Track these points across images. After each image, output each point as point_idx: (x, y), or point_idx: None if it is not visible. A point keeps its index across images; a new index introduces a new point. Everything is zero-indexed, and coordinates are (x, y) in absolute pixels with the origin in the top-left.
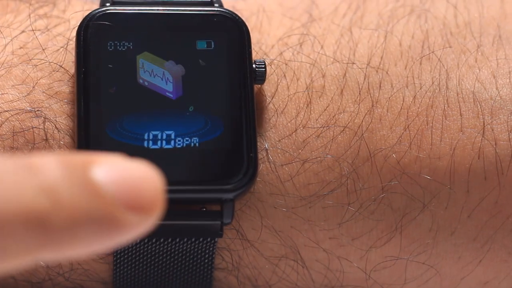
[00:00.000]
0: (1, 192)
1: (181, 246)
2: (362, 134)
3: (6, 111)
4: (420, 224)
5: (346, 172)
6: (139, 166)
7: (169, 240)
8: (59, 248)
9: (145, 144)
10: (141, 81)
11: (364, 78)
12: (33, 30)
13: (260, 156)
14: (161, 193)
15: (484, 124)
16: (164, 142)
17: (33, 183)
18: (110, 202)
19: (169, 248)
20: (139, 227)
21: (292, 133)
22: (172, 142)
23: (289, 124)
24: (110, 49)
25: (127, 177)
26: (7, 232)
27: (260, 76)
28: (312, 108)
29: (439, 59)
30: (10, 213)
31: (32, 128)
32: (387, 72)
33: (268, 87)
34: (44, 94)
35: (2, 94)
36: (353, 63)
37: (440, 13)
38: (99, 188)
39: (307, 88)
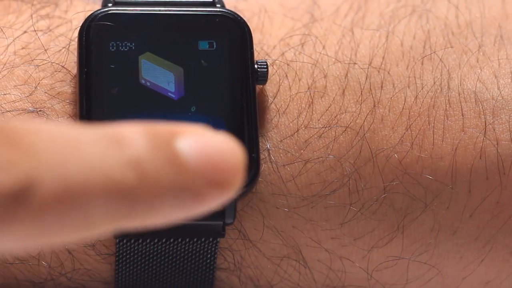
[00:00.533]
0: (88, 163)
1: (183, 246)
2: (364, 134)
3: (9, 111)
4: (422, 224)
5: (348, 172)
6: (223, 139)
7: (171, 240)
8: (139, 219)
9: None
10: (143, 81)
11: (366, 78)
12: (35, 31)
13: (262, 156)
14: (241, 168)
15: (485, 124)
16: None
17: (119, 156)
18: (193, 176)
19: (171, 248)
20: (217, 200)
21: (294, 133)
22: None
23: (291, 124)
24: (112, 50)
25: (210, 150)
26: (92, 205)
27: (262, 76)
28: (314, 108)
29: (440, 59)
30: (95, 187)
31: None
32: (388, 72)
33: (270, 88)
34: (46, 95)
35: (4, 94)
36: (355, 63)
37: (442, 13)
38: (184, 161)
39: (309, 88)
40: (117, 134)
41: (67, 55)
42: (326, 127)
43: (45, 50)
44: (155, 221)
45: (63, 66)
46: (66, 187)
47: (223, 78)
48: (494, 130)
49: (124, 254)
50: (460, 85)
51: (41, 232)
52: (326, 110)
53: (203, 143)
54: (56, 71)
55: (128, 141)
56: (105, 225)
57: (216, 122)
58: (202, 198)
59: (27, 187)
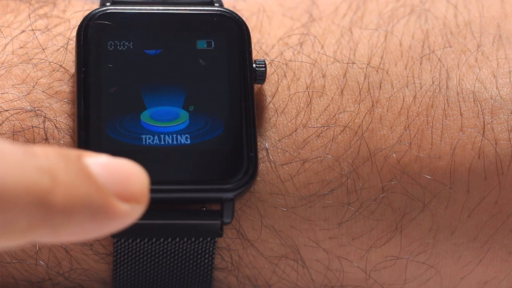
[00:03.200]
0: (5, 170)
1: (181, 246)
2: (362, 134)
3: (6, 110)
4: (420, 224)
5: (346, 171)
6: (126, 162)
7: (169, 240)
8: (56, 229)
9: (145, 143)
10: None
11: (364, 78)
12: (33, 30)
13: (260, 155)
14: (147, 185)
15: (484, 123)
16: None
17: (34, 164)
18: (103, 190)
19: (169, 248)
20: (129, 216)
21: (292, 132)
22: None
23: (289, 124)
24: (110, 49)
25: (117, 168)
26: (11, 208)
27: (260, 75)
28: (312, 108)
29: (439, 59)
30: (13, 189)
31: (32, 128)
32: (387, 72)
33: (268, 87)
34: (44, 94)
35: (2, 93)
36: (353, 63)
37: (440, 13)
38: (93, 174)
39: (307, 88)
40: (31, 149)
41: (65, 54)
42: (324, 126)
43: (43, 49)
44: (73, 235)
45: (61, 65)
46: None
47: (222, 77)
48: (492, 129)
49: (122, 254)
50: (459, 84)
51: None
52: (325, 110)
53: (110, 162)
54: (54, 70)
55: (41, 154)
56: (25, 232)
57: (214, 121)
58: (115, 212)
59: None
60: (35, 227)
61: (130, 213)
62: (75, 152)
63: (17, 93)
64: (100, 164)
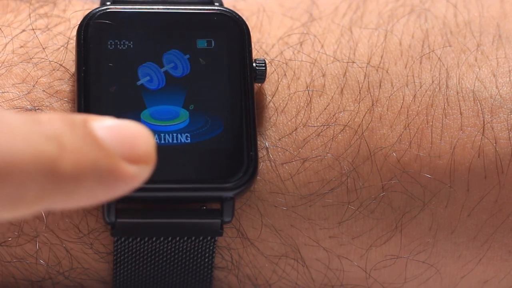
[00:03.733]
0: (11, 140)
1: (181, 245)
2: (362, 133)
3: (6, 109)
4: (420, 223)
5: (346, 170)
6: (131, 123)
7: (169, 239)
8: (66, 196)
9: None
10: (141, 80)
11: (364, 77)
12: (33, 29)
13: (260, 154)
14: (154, 146)
15: (484, 122)
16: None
17: (41, 131)
18: (110, 153)
19: (169, 247)
20: (137, 178)
21: (292, 132)
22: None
23: (289, 123)
24: (111, 48)
25: (122, 130)
26: (20, 178)
27: (260, 75)
28: (312, 107)
29: (439, 58)
30: (23, 158)
31: None
32: (387, 71)
33: (268, 86)
34: (45, 93)
35: (3, 92)
36: (353, 62)
37: (440, 13)
38: (99, 138)
39: (307, 87)
40: (36, 117)
41: (65, 54)
42: (324, 125)
43: (44, 48)
44: (82, 200)
45: (61, 65)
46: None
47: (222, 77)
48: (492, 129)
49: (122, 253)
50: (459, 84)
51: None
52: (325, 109)
53: (115, 125)
54: (54, 70)
55: (47, 121)
56: (35, 201)
57: (214, 120)
58: (122, 174)
59: None
60: (46, 195)
61: (138, 175)
62: (80, 117)
63: (18, 92)
64: (106, 127)
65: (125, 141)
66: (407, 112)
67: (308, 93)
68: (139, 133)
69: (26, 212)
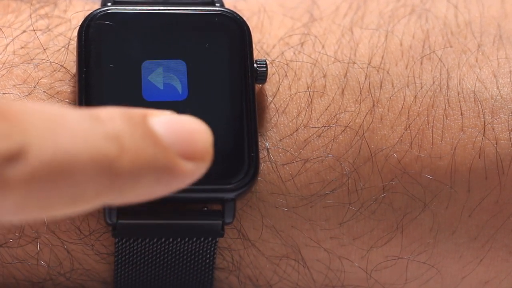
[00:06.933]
0: (73, 139)
1: (182, 246)
2: (363, 134)
3: None
4: (421, 224)
5: (347, 171)
6: (189, 118)
7: (170, 240)
8: (123, 192)
9: None
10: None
11: (365, 78)
12: (34, 30)
13: (261, 155)
14: (211, 142)
15: (485, 123)
16: None
17: (99, 130)
18: (169, 150)
19: (170, 248)
20: (193, 174)
21: (293, 132)
22: None
23: (290, 124)
24: (112, 49)
25: (181, 126)
26: (79, 178)
27: (261, 75)
28: (313, 108)
29: (440, 59)
30: (84, 159)
31: None
32: (388, 72)
33: (269, 87)
34: (45, 94)
35: (3, 94)
36: (354, 62)
37: (441, 13)
38: (158, 136)
39: (308, 87)
40: (96, 113)
41: (66, 55)
42: (325, 126)
43: (44, 49)
44: (139, 196)
45: (62, 66)
46: (55, 156)
47: (222, 77)
48: (493, 129)
49: (123, 254)
50: (459, 84)
51: (34, 202)
52: (326, 110)
53: (174, 121)
54: (55, 71)
55: (107, 119)
56: (93, 198)
57: (215, 120)
58: (179, 171)
59: (19, 154)
60: (103, 193)
61: (195, 172)
62: (139, 112)
63: (18, 94)
64: (164, 122)
65: (183, 138)
66: (408, 113)
67: (309, 94)
68: (196, 129)
69: (85, 208)
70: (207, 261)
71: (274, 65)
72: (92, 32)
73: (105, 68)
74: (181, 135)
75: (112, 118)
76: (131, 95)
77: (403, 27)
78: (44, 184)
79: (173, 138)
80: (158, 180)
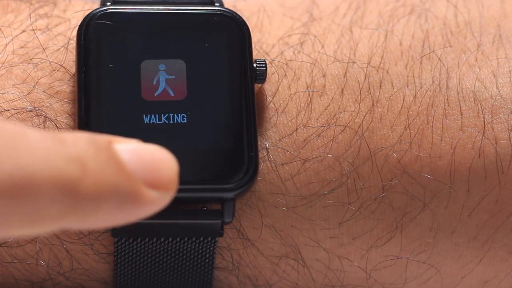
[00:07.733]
0: (36, 159)
1: (181, 246)
2: (363, 134)
3: (7, 110)
4: (420, 223)
5: (347, 171)
6: (156, 148)
7: (170, 239)
8: (84, 217)
9: None
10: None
11: (365, 78)
12: (33, 30)
13: (260, 155)
14: (176, 172)
15: (484, 123)
16: None
17: (62, 151)
18: (133, 177)
19: (169, 248)
20: (157, 203)
21: (293, 132)
22: None
23: (289, 123)
24: (111, 49)
25: (146, 154)
26: (40, 197)
27: (260, 75)
28: (312, 108)
29: (439, 59)
30: (44, 178)
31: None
32: (387, 72)
33: (268, 87)
34: (45, 94)
35: (3, 93)
36: (354, 62)
37: (441, 13)
38: (122, 161)
39: (307, 87)
40: (60, 136)
41: (65, 54)
42: (324, 126)
43: (44, 49)
44: (99, 222)
45: (61, 65)
46: (14, 173)
47: (222, 77)
48: (493, 129)
49: (123, 253)
50: (459, 84)
51: None
52: (325, 109)
53: (139, 149)
54: (54, 70)
55: (70, 142)
56: (54, 220)
57: (215, 120)
58: (143, 199)
59: None
60: (64, 215)
61: (159, 201)
62: (104, 138)
63: (18, 93)
64: (130, 150)
65: (148, 166)
66: (408, 112)
67: (309, 93)
68: (162, 158)
69: (43, 230)
70: (207, 260)
71: (273, 64)
72: (91, 32)
73: (105, 67)
74: (146, 163)
75: (76, 141)
76: (130, 94)
77: (402, 26)
78: (2, 204)
79: (138, 166)
80: (121, 206)
